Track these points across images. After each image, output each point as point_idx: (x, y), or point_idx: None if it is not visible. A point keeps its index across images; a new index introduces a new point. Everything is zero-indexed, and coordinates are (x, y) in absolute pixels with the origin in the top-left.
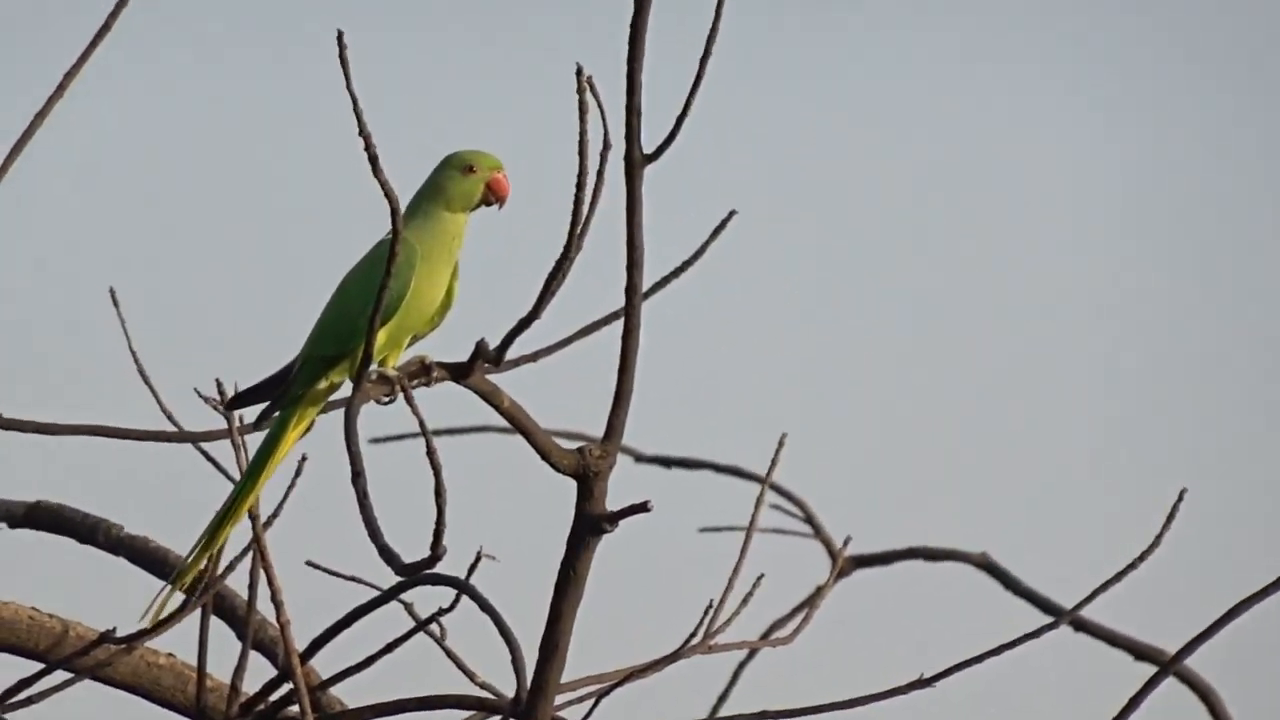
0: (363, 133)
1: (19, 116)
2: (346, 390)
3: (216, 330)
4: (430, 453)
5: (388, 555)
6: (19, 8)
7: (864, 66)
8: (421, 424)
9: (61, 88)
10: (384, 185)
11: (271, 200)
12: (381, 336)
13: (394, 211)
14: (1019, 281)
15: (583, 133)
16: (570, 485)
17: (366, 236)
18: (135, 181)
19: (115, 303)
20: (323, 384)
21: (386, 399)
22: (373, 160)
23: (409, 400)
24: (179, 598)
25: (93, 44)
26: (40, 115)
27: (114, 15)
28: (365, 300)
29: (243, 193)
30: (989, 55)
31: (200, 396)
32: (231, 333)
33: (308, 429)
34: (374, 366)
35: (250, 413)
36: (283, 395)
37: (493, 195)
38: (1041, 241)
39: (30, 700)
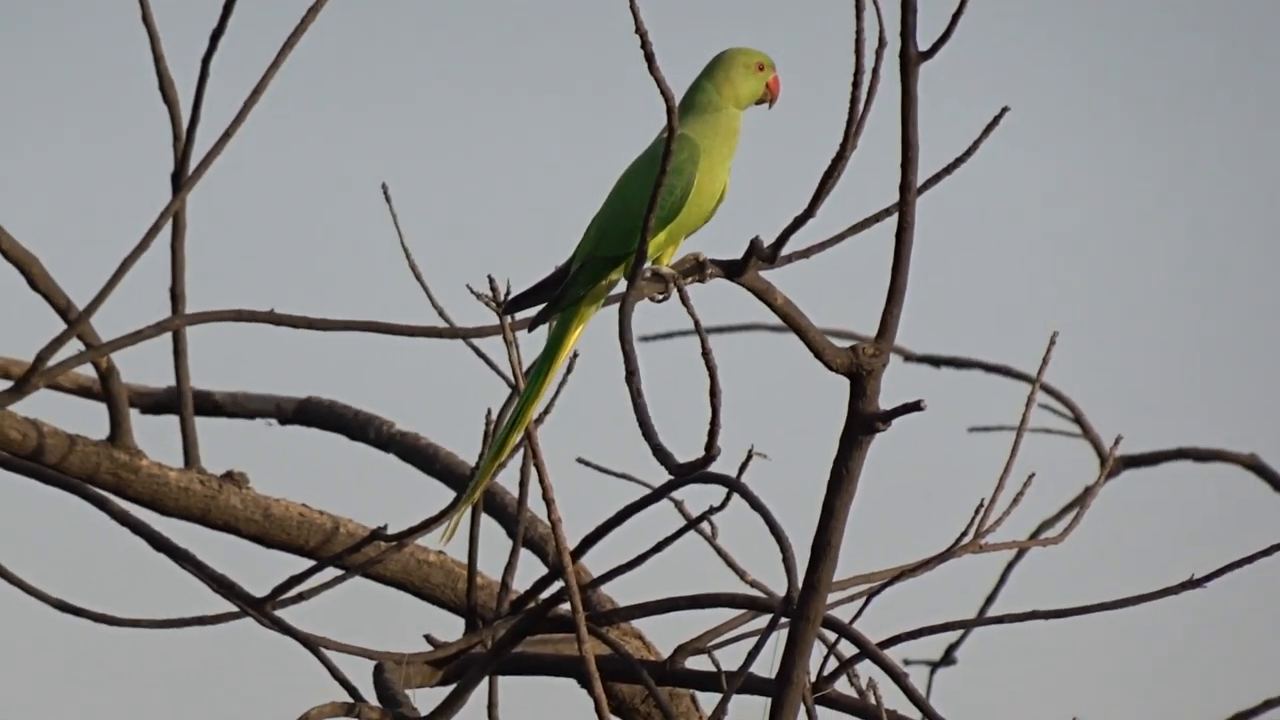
0: (639, 29)
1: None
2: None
3: (490, 227)
4: (705, 352)
5: (662, 455)
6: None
7: None
8: (696, 322)
9: None
10: (660, 82)
11: (543, 100)
12: (661, 235)
13: (670, 109)
14: None
15: (859, 30)
16: (842, 384)
17: (640, 135)
18: (404, 78)
19: (388, 198)
20: (602, 283)
21: (661, 296)
22: (649, 57)
23: (683, 299)
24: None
25: None
26: (313, 9)
27: None
28: (648, 199)
29: (517, 91)
30: None
31: (473, 293)
32: (506, 230)
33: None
34: (649, 264)
35: (526, 315)
36: (561, 296)
37: (770, 94)
38: None
39: (302, 596)
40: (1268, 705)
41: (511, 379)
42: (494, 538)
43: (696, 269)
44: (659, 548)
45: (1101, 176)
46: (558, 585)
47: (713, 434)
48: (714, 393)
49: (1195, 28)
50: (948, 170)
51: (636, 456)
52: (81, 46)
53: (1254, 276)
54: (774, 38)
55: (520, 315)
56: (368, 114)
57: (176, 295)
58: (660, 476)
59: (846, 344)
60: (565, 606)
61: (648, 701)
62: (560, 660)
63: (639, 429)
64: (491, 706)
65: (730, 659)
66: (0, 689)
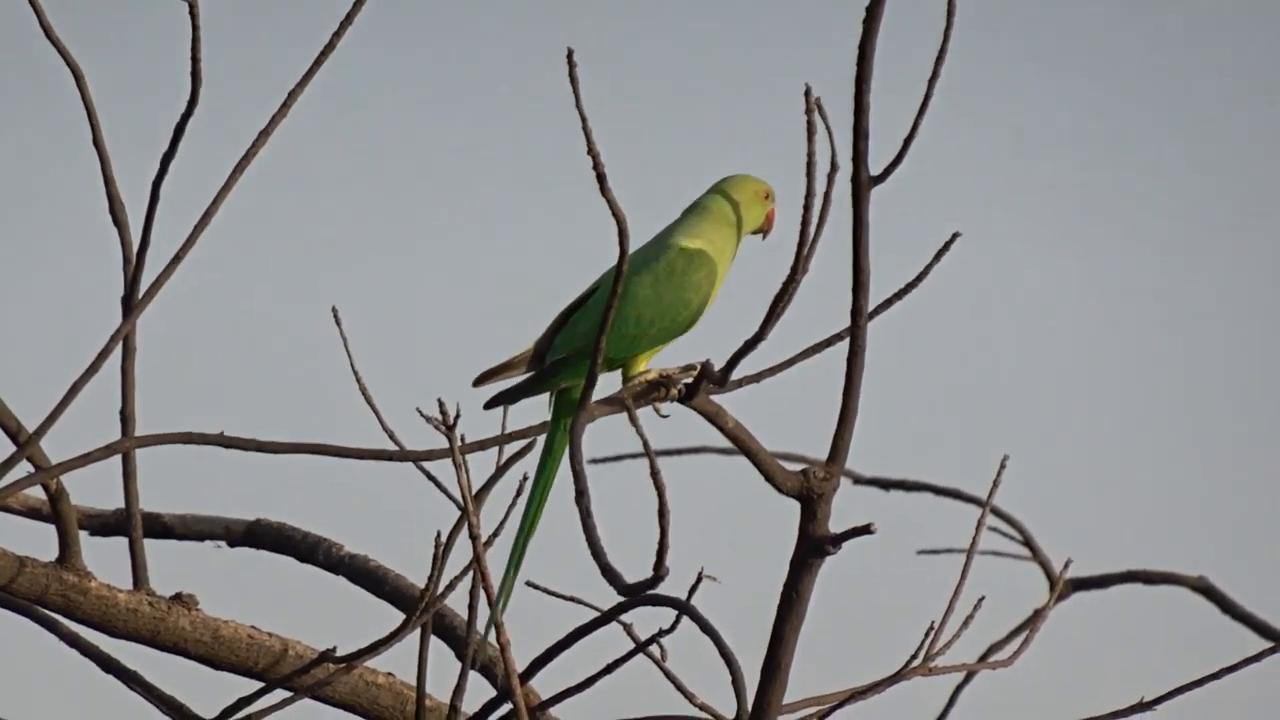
0: (591, 150)
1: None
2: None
3: (441, 351)
4: (654, 473)
5: (610, 575)
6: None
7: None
8: (645, 444)
9: (285, 107)
10: (611, 204)
11: (497, 219)
12: (656, 342)
13: (622, 233)
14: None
15: (810, 154)
16: (793, 506)
17: (599, 257)
18: (363, 199)
19: (338, 321)
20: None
21: (665, 414)
22: (600, 179)
23: (633, 421)
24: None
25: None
26: (262, 135)
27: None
28: (659, 311)
29: (467, 212)
30: None
31: (422, 416)
32: (456, 353)
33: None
34: (637, 377)
35: (476, 439)
36: (536, 384)
37: (768, 225)
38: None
39: (250, 718)
40: None
41: (460, 502)
42: (443, 660)
43: (650, 390)
44: (608, 670)
45: (1052, 298)
46: (507, 708)
47: (661, 554)
48: (662, 513)
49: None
50: (898, 296)
51: (586, 579)
52: (31, 169)
53: (1205, 398)
54: (727, 159)
55: (469, 439)
56: (319, 236)
57: (126, 417)
58: (610, 599)
59: (797, 467)
60: None
61: None
62: None
63: (588, 549)
64: None
65: None
66: None
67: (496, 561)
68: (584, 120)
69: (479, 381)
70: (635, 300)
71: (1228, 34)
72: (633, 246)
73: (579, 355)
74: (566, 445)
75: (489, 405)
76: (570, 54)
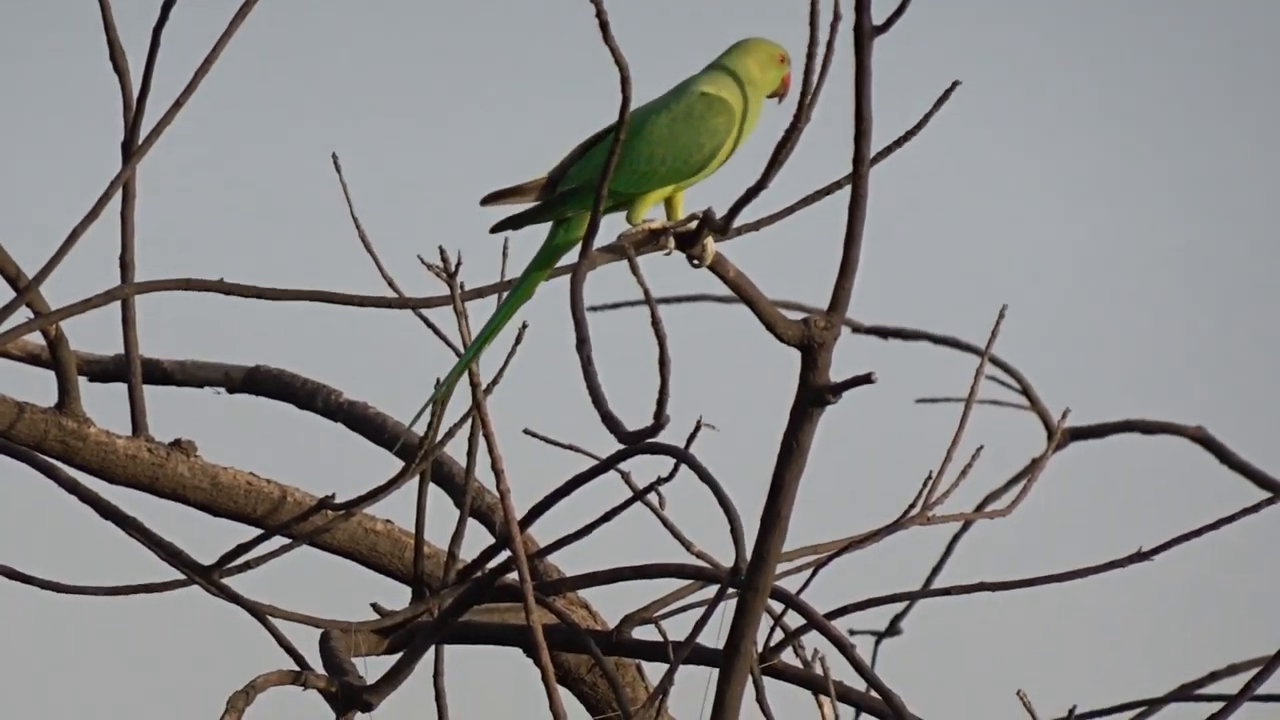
0: None
1: None
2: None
3: (443, 198)
4: (654, 321)
5: (611, 423)
6: None
7: None
8: (646, 292)
9: None
10: (614, 52)
11: (499, 70)
12: (668, 190)
13: (624, 80)
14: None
15: (814, 2)
16: (793, 356)
17: (600, 111)
18: (358, 47)
19: (338, 168)
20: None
21: (665, 252)
22: (603, 25)
23: (634, 269)
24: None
25: None
26: None
27: None
28: (672, 150)
29: (471, 61)
30: None
31: (423, 263)
32: (458, 201)
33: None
34: (644, 221)
35: (476, 285)
36: (545, 210)
37: (783, 89)
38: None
39: (249, 565)
40: (1214, 677)
41: (461, 350)
42: (441, 507)
43: (650, 239)
44: (606, 518)
45: (1052, 152)
46: (505, 555)
47: (661, 402)
48: (663, 362)
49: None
50: (899, 143)
51: (585, 428)
52: (31, 16)
53: (1202, 252)
54: (730, 9)
55: (469, 286)
56: (319, 82)
57: (126, 264)
58: (609, 448)
59: (798, 316)
60: (512, 576)
61: (594, 671)
62: (507, 629)
63: (589, 397)
64: (437, 675)
65: (677, 629)
66: None
67: (496, 410)
68: None
69: (486, 201)
70: (649, 138)
71: None
72: (639, 97)
73: (588, 187)
74: (545, 273)
75: (494, 230)
76: None
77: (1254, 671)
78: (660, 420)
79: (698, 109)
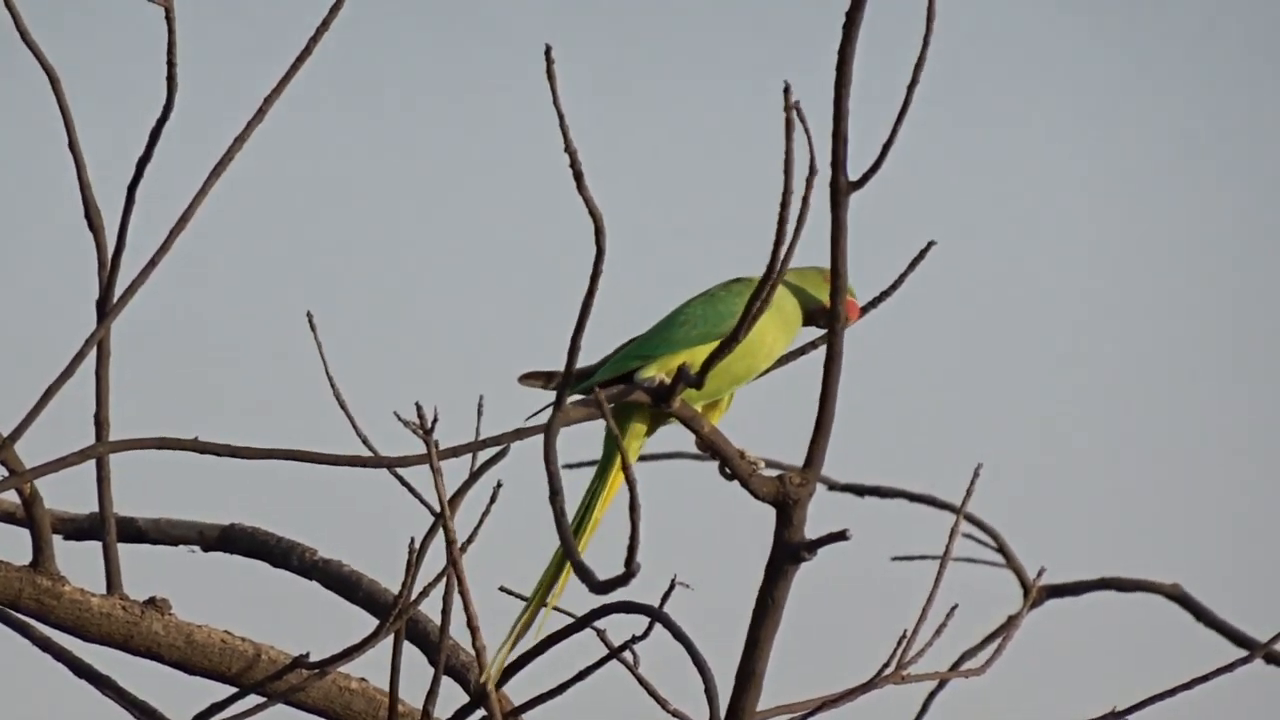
0: (568, 148)
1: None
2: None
3: (415, 355)
4: (625, 468)
5: (583, 572)
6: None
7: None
8: (619, 444)
9: (261, 112)
10: (588, 202)
11: (473, 225)
12: (709, 383)
13: (598, 231)
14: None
15: (788, 153)
16: (767, 512)
17: (578, 259)
18: (339, 205)
19: (313, 326)
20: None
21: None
22: (578, 176)
23: (608, 422)
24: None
25: (292, 69)
26: (239, 140)
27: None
28: (704, 316)
29: (445, 220)
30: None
31: (400, 420)
32: (431, 357)
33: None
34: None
35: (450, 444)
36: (576, 380)
37: (823, 318)
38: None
39: None
40: None
41: (436, 507)
42: (416, 665)
43: (624, 395)
44: (581, 676)
45: (1027, 306)
46: (480, 714)
47: (632, 549)
48: (634, 508)
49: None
50: (874, 303)
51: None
52: (6, 173)
53: (1175, 405)
54: (708, 160)
55: (445, 445)
56: (294, 241)
57: (101, 422)
58: (583, 607)
59: (773, 473)
60: None
61: None
62: None
63: (562, 549)
64: None
65: None
66: None
67: (470, 567)
68: (561, 117)
69: (524, 379)
70: (686, 309)
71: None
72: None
73: (615, 366)
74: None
75: (523, 380)
76: (548, 51)
77: None
78: (631, 567)
79: (733, 288)
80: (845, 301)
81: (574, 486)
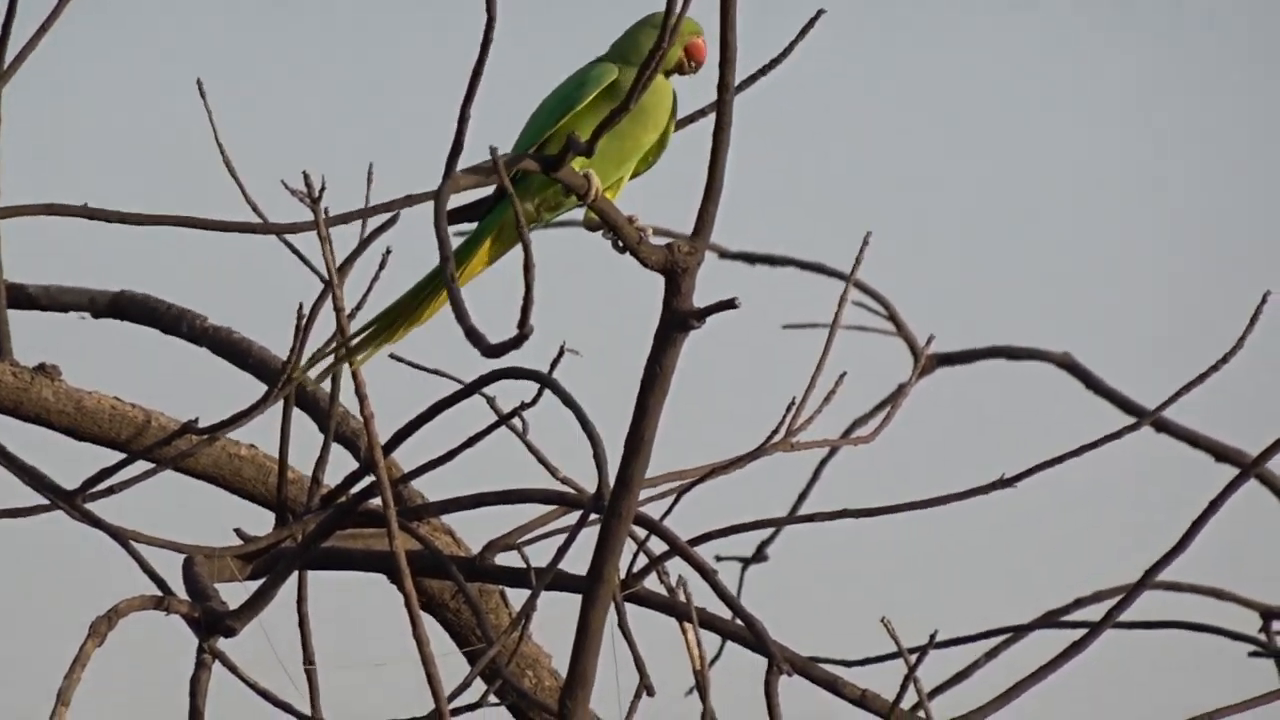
0: None
1: None
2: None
3: (305, 123)
4: (519, 228)
5: (474, 336)
6: None
7: None
8: (516, 211)
9: None
10: None
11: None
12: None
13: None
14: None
15: None
16: (657, 280)
17: (468, 39)
18: None
19: (202, 94)
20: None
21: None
22: None
23: (504, 185)
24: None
25: None
26: None
27: None
28: (549, 107)
29: None
30: None
31: (287, 189)
32: (319, 127)
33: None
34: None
35: (342, 211)
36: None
37: (689, 59)
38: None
39: (112, 490)
40: (1078, 604)
41: (325, 275)
42: (306, 432)
43: (515, 162)
44: (470, 443)
45: (922, 70)
46: (368, 480)
47: (525, 311)
48: (527, 268)
49: None
50: (763, 71)
51: (452, 353)
52: None
53: (1069, 170)
54: None
55: (335, 212)
56: (192, 5)
57: None
58: (474, 372)
59: (662, 241)
60: (376, 501)
61: (457, 597)
62: (370, 555)
63: (453, 313)
64: (301, 601)
65: (541, 555)
66: None
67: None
68: None
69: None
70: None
71: None
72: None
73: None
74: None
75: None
76: None
77: (1117, 599)
78: (524, 329)
79: (583, 75)
80: (733, 71)
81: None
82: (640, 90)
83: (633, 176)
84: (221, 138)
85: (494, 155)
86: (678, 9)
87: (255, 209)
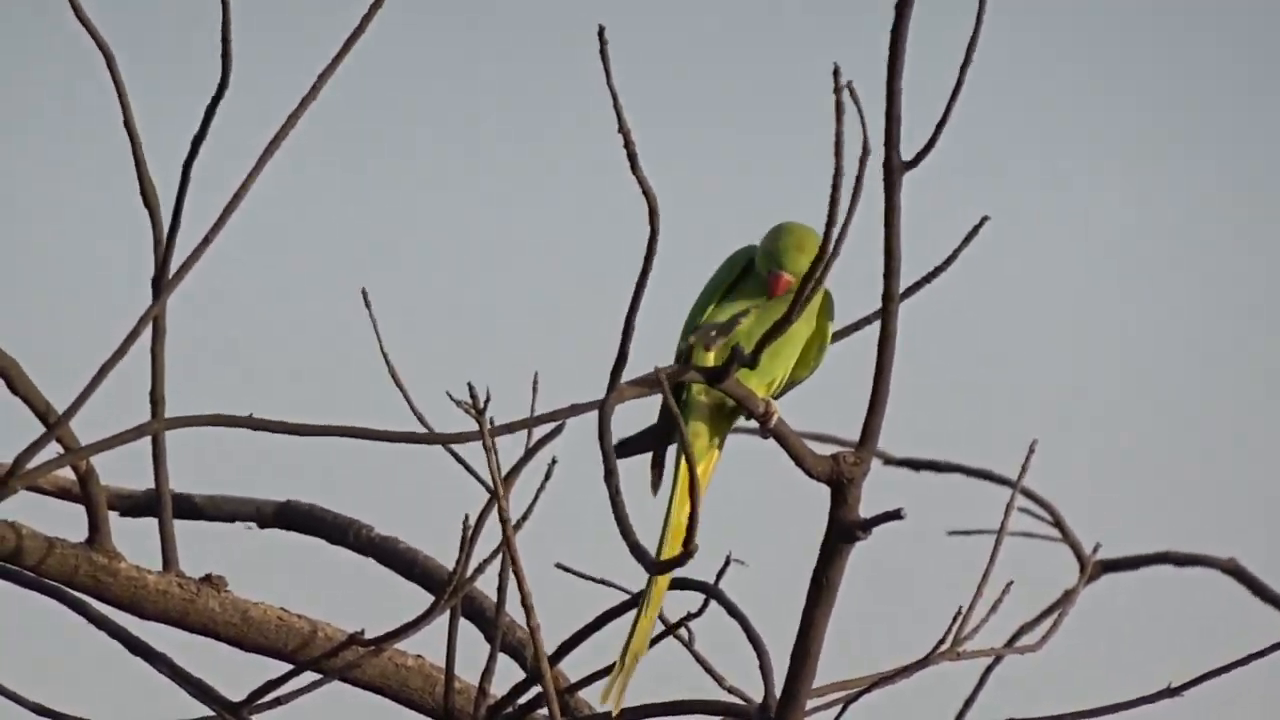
0: (622, 128)
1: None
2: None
3: (470, 333)
4: (684, 446)
5: (639, 553)
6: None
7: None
8: (679, 424)
9: (315, 89)
10: (642, 183)
11: (529, 205)
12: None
13: (652, 212)
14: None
15: (839, 135)
16: (821, 490)
17: (632, 240)
18: (389, 179)
19: (367, 304)
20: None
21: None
22: (632, 157)
23: (666, 400)
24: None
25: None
26: (292, 118)
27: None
28: (698, 302)
29: (502, 200)
30: None
31: (452, 400)
32: (483, 336)
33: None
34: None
35: (505, 421)
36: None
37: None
38: None
39: (278, 701)
40: None
41: (490, 485)
42: (472, 642)
43: (680, 373)
44: None
45: (1083, 282)
46: (535, 690)
47: (691, 530)
48: (692, 488)
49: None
50: (928, 279)
51: (616, 563)
52: (63, 152)
53: (1232, 382)
54: (761, 145)
55: (500, 421)
56: (349, 217)
57: (156, 399)
58: (639, 583)
59: (828, 449)
60: (543, 712)
61: None
62: None
63: (617, 529)
64: None
65: None
66: None
67: (525, 544)
68: (615, 97)
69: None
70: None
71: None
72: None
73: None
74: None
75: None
76: (601, 31)
77: None
78: (689, 548)
79: (726, 261)
80: (897, 281)
81: (630, 464)
82: (804, 302)
83: (798, 381)
84: (386, 347)
85: (657, 371)
86: (837, 226)
87: (421, 419)
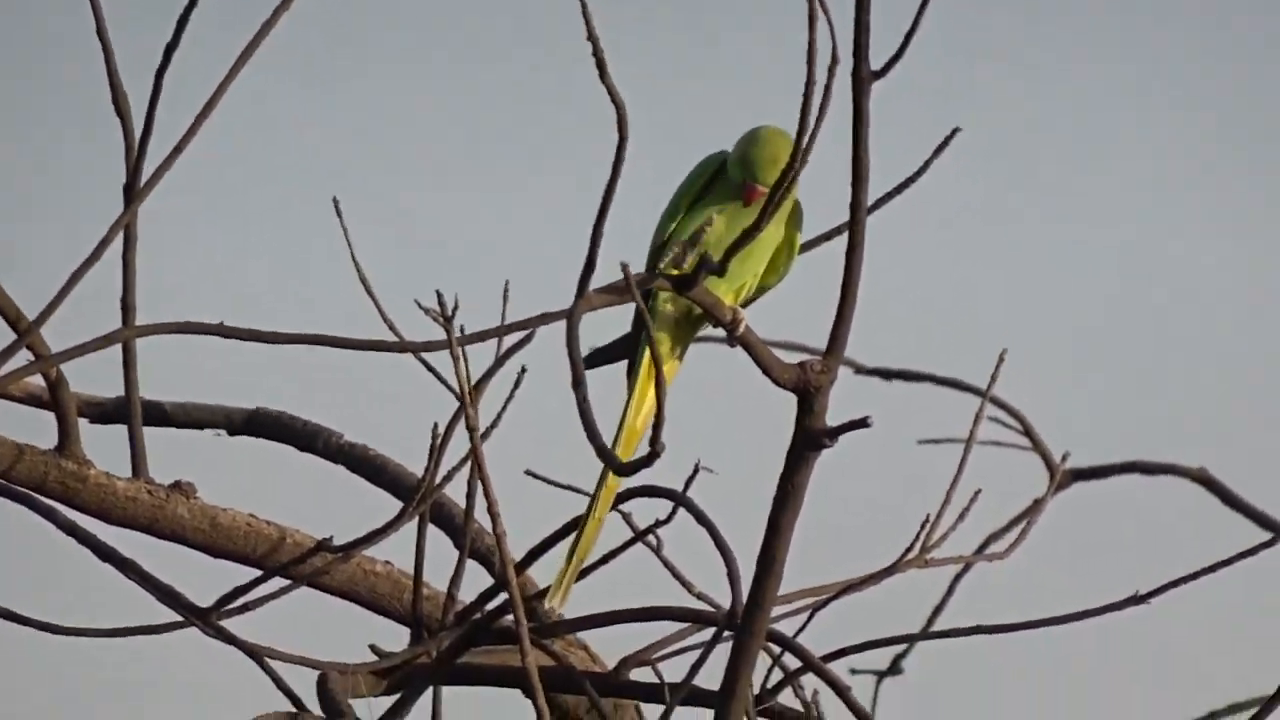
0: (591, 36)
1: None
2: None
3: (439, 240)
4: (651, 347)
5: (606, 455)
6: None
7: None
8: (647, 327)
9: None
10: (611, 91)
11: (498, 116)
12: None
13: (621, 119)
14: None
15: (811, 44)
16: (789, 398)
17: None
18: (361, 88)
19: (339, 212)
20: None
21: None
22: (600, 65)
23: (634, 300)
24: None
25: None
26: (266, 26)
27: None
28: (667, 210)
29: (471, 109)
30: None
31: (421, 308)
32: (453, 245)
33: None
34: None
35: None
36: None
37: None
38: None
39: (247, 606)
40: (1213, 717)
41: (459, 392)
42: (441, 549)
43: (648, 281)
44: (605, 560)
45: (1048, 189)
46: (503, 597)
47: (657, 430)
48: (659, 386)
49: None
50: (897, 190)
51: (585, 471)
52: (34, 59)
53: (1206, 288)
54: (729, 51)
55: (470, 330)
56: (321, 127)
57: (127, 306)
58: None
59: (795, 357)
60: (510, 618)
61: (591, 712)
62: (505, 671)
63: (585, 434)
64: (435, 716)
65: (675, 671)
66: None
67: (495, 452)
68: (583, 3)
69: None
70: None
71: None
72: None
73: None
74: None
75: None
76: None
77: (1253, 710)
78: (656, 446)
79: (695, 169)
80: (865, 190)
81: (600, 371)
82: (773, 211)
83: (766, 289)
84: (357, 255)
85: (625, 273)
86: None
87: (391, 327)
